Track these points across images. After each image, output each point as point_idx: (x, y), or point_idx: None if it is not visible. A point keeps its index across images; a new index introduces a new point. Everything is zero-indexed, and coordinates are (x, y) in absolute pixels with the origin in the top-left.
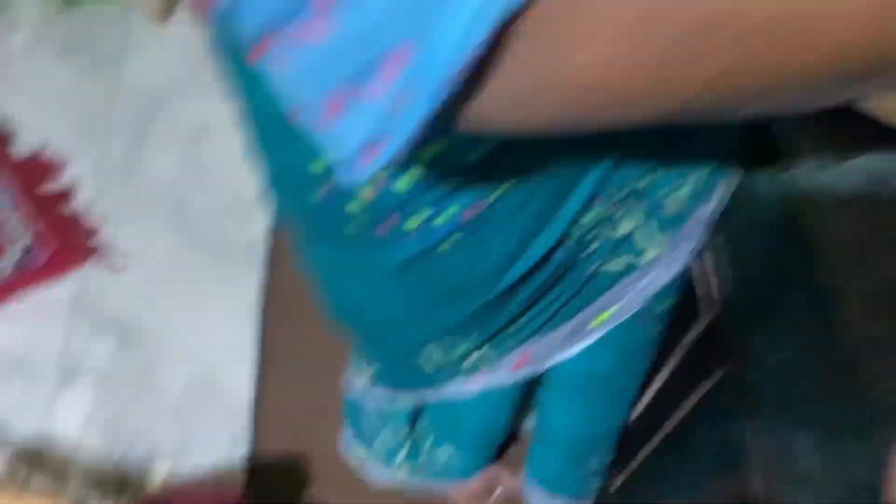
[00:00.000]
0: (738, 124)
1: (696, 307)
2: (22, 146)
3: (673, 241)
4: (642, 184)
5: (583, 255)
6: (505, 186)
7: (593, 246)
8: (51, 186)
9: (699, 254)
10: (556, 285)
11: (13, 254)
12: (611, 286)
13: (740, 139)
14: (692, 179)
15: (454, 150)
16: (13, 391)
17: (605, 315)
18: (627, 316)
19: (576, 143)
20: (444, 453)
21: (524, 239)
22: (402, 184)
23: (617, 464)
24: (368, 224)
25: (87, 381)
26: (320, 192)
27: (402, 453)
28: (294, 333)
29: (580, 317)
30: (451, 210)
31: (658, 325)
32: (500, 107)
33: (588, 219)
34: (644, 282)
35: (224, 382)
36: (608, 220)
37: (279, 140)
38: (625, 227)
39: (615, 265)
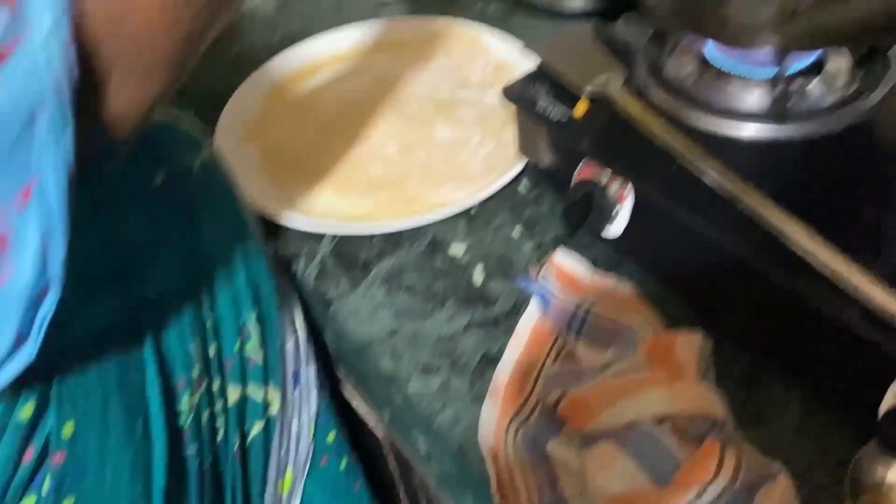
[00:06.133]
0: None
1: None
2: None
3: (284, 384)
4: (210, 350)
5: (218, 441)
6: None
7: (219, 426)
8: None
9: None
10: (219, 483)
11: None
12: (268, 451)
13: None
14: (248, 326)
15: None
16: None
17: (288, 479)
18: (307, 466)
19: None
20: None
21: (136, 463)
22: None
23: None
24: None
25: None
26: None
27: None
28: None
29: (268, 497)
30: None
31: (343, 455)
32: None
33: (184, 405)
34: (294, 428)
35: None
36: (207, 395)
37: None
38: (233, 394)
39: (255, 430)
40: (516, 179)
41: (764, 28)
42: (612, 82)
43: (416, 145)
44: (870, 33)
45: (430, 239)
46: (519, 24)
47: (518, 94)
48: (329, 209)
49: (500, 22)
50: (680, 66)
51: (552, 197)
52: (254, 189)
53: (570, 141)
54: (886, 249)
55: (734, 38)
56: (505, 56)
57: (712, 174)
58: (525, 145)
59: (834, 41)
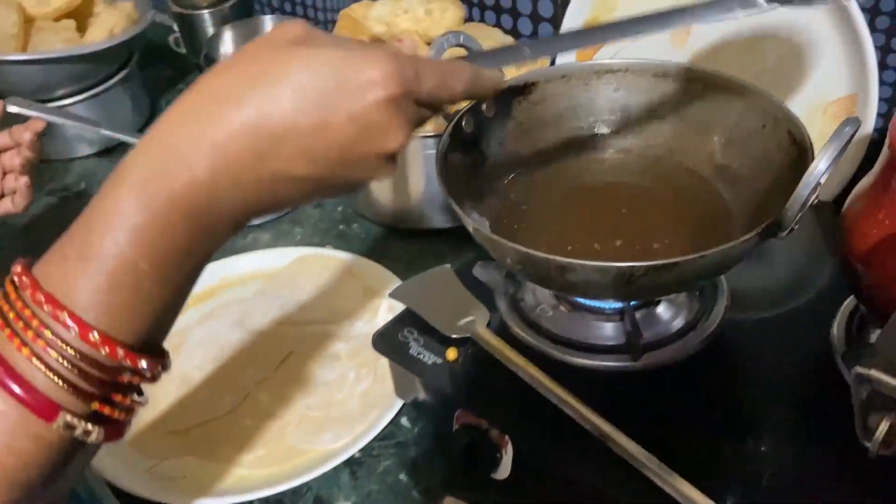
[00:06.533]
0: None
1: None
2: None
3: None
4: None
5: None
6: None
7: None
8: None
9: None
10: None
11: None
12: None
13: None
14: None
15: None
16: None
17: None
18: None
19: None
20: None
21: None
22: None
23: None
24: None
25: None
26: None
27: None
28: None
29: None
30: None
31: None
32: None
33: None
34: None
35: None
36: None
37: None
38: None
39: None
40: (398, 415)
41: (605, 290)
42: (477, 323)
43: (291, 390)
44: (697, 281)
45: (314, 497)
46: (384, 244)
47: (388, 341)
48: (199, 478)
49: (365, 244)
50: (536, 302)
51: (435, 433)
52: (116, 467)
53: (445, 387)
54: (748, 487)
55: (580, 295)
56: (372, 280)
57: (576, 411)
58: (401, 390)
59: (667, 293)
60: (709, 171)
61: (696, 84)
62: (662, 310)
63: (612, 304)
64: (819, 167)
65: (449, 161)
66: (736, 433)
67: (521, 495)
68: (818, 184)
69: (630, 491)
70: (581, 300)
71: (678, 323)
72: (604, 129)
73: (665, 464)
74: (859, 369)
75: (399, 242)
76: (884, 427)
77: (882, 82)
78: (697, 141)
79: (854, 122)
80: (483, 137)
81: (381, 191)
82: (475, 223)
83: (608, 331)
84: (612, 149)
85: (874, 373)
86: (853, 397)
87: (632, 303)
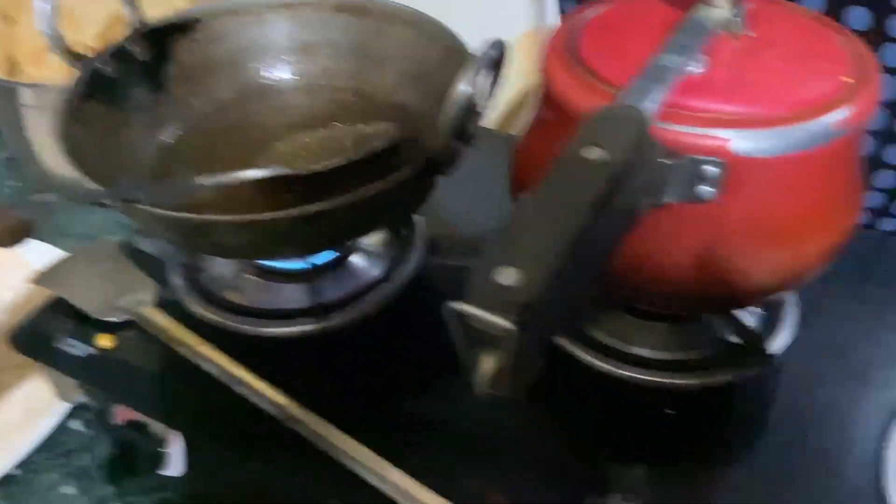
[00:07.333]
0: None
1: None
2: None
3: None
4: None
5: None
6: None
7: None
8: None
9: None
10: None
11: None
12: None
13: None
14: None
15: None
16: None
17: None
18: None
19: None
20: None
21: None
22: None
23: None
24: None
25: None
26: None
27: None
28: None
29: None
30: None
31: None
32: None
33: None
34: None
35: None
36: None
37: None
38: None
39: None
40: (70, 419)
41: (265, 248)
42: (142, 303)
43: None
44: (368, 227)
45: None
46: (62, 219)
47: (31, 337)
48: None
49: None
50: (218, 272)
51: (108, 435)
52: None
53: (98, 382)
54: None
55: (245, 256)
56: (42, 264)
57: (256, 391)
58: (62, 390)
59: (335, 243)
60: (390, 109)
61: (374, 17)
62: (357, 262)
63: (296, 265)
64: (459, 89)
65: (84, 113)
66: (428, 394)
67: (204, 490)
68: (471, 109)
69: (331, 480)
70: (264, 263)
71: (374, 274)
72: (285, 70)
73: (354, 438)
74: (452, 305)
75: (80, 216)
76: (487, 366)
77: (562, 12)
78: (378, 78)
79: (498, 44)
80: (134, 84)
81: (48, 156)
82: (103, 194)
83: (296, 294)
84: (296, 91)
85: (468, 308)
86: (452, 334)
87: (316, 260)
